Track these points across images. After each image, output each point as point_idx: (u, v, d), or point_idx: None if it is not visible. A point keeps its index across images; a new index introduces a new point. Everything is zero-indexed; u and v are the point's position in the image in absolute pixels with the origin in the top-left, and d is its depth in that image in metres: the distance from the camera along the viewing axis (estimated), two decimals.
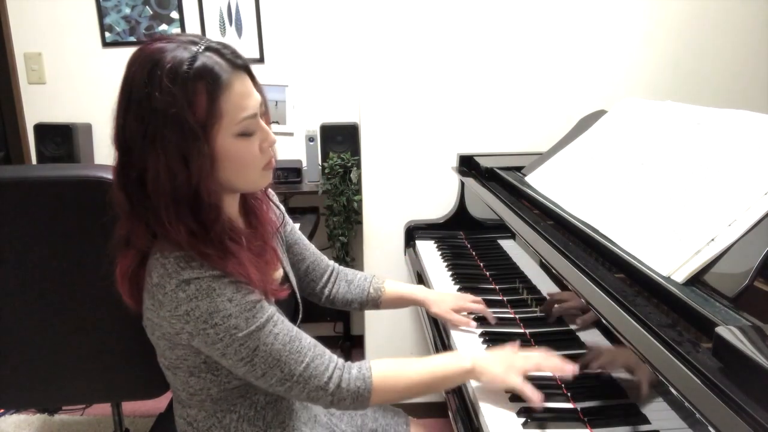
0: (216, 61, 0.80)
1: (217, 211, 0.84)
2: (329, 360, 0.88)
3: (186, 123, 0.77)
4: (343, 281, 1.23)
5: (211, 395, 0.92)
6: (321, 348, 0.89)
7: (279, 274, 1.04)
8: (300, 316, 1.09)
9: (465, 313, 1.19)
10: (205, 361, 0.88)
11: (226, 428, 0.94)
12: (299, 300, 1.10)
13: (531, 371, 0.91)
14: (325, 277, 1.22)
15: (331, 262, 1.25)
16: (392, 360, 0.94)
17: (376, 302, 1.23)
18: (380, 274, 1.54)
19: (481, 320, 1.19)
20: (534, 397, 0.86)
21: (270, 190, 1.09)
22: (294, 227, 1.19)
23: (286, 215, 1.15)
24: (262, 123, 0.86)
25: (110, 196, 0.85)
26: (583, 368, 0.89)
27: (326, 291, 1.23)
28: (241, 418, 0.95)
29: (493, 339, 1.11)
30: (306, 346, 0.87)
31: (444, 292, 1.29)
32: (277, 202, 1.12)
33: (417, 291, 1.25)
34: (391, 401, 0.95)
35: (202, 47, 0.80)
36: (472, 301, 1.22)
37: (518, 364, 0.91)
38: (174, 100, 0.76)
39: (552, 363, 0.92)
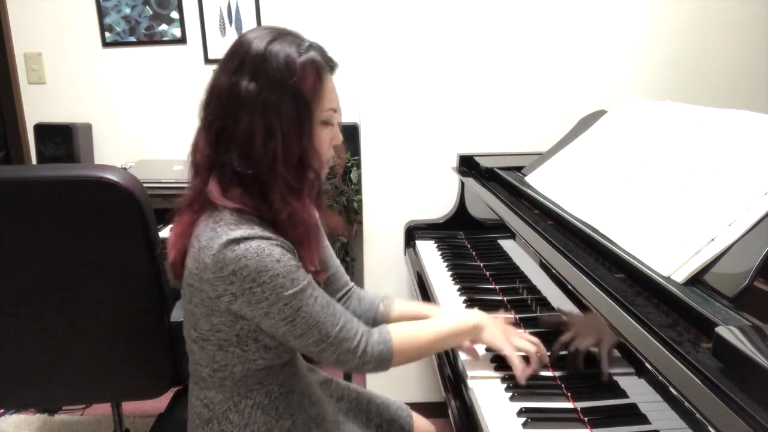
0: (319, 56, 0.91)
1: (318, 175, 0.93)
2: (357, 325, 0.94)
3: (300, 93, 0.87)
4: (356, 298, 1.20)
5: (234, 374, 0.94)
6: (349, 314, 0.95)
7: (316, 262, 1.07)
8: None
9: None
10: (237, 333, 0.91)
11: (240, 413, 0.96)
12: None
13: (524, 350, 0.99)
14: (344, 291, 1.19)
15: (349, 279, 1.22)
16: (406, 323, 1.03)
17: (385, 319, 1.17)
18: (380, 274, 1.55)
19: None
20: (520, 368, 0.94)
21: None
22: (323, 234, 1.16)
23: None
24: (336, 123, 0.96)
25: (190, 155, 0.92)
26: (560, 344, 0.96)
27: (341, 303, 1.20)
28: (256, 405, 0.97)
29: None
30: (339, 310, 0.93)
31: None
32: None
33: (427, 310, 1.18)
34: (411, 360, 1.00)
35: (308, 42, 0.91)
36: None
37: (514, 337, 1.01)
38: (291, 71, 0.86)
39: (540, 354, 1.00)
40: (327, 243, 1.19)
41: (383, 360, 0.94)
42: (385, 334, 0.96)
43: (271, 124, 0.85)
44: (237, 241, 0.83)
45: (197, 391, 1.00)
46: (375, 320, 1.18)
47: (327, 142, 0.94)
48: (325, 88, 0.91)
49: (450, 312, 1.05)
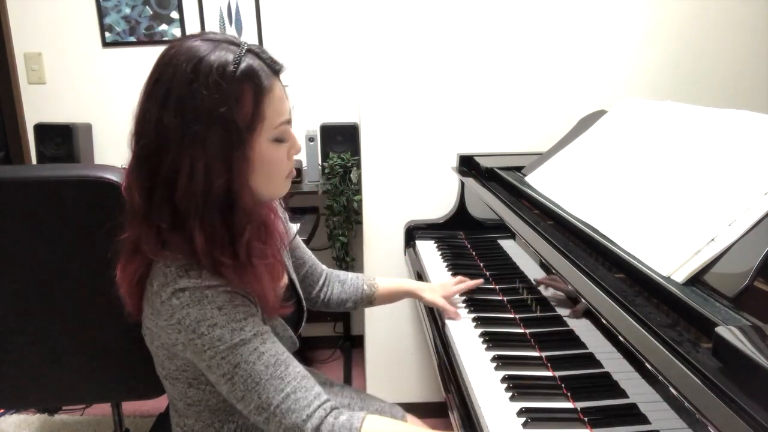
0: (258, 63, 0.79)
1: (249, 217, 0.81)
2: (315, 397, 0.80)
3: (233, 123, 0.76)
4: (336, 282, 1.23)
5: (209, 406, 0.90)
6: (310, 382, 0.82)
7: (284, 282, 1.02)
8: (303, 322, 1.08)
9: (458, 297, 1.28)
10: (204, 373, 0.85)
11: None
12: (304, 306, 1.08)
13: None
14: (321, 280, 1.22)
15: (325, 267, 1.25)
16: (390, 421, 0.89)
17: (370, 299, 1.25)
18: (380, 274, 1.55)
19: (485, 330, 1.19)
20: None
21: (281, 202, 1.08)
22: (294, 231, 1.19)
23: (289, 222, 1.13)
24: (291, 130, 0.86)
25: (124, 196, 0.82)
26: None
27: (321, 294, 1.22)
28: (239, 429, 0.93)
29: (492, 340, 1.11)
30: (291, 374, 0.80)
31: (432, 283, 1.35)
32: (284, 213, 1.10)
33: (408, 283, 1.31)
34: None
35: (244, 49, 0.79)
36: (456, 284, 1.29)
37: None
38: (222, 99, 0.75)
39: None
40: (299, 240, 1.18)
41: None
42: (356, 421, 0.80)
43: (193, 160, 0.75)
44: (182, 290, 0.78)
45: (177, 417, 0.97)
46: (362, 301, 1.24)
47: (284, 158, 0.85)
48: (270, 106, 0.80)
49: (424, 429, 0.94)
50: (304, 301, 1.09)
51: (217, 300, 0.78)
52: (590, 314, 0.88)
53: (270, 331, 0.84)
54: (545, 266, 1.05)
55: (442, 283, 1.32)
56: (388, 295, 1.28)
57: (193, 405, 0.91)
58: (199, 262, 0.79)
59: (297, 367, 0.82)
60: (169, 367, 0.88)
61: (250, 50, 0.80)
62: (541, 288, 1.10)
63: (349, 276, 1.26)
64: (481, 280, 1.30)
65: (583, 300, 0.86)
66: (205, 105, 0.74)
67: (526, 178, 1.42)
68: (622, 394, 0.78)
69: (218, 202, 0.78)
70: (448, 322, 1.21)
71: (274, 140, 0.82)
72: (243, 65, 0.77)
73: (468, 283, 1.29)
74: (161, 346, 0.86)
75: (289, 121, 0.84)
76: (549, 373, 0.98)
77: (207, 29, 2.33)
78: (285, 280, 1.03)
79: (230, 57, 0.77)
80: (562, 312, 1.00)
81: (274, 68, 0.82)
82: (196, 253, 0.78)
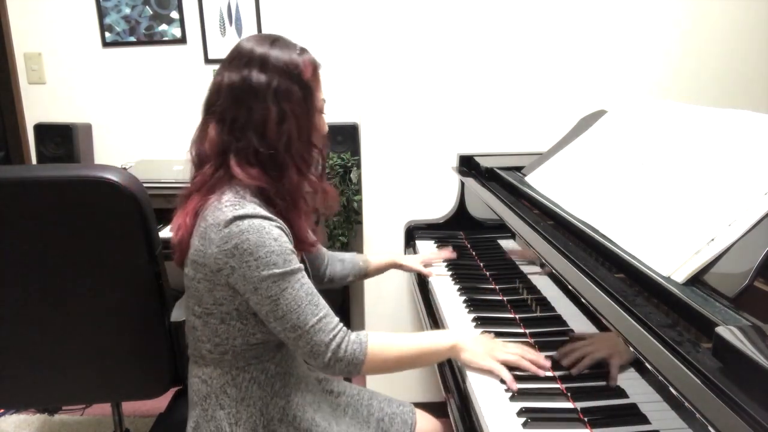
0: (311, 56, 1.03)
1: (322, 154, 1.07)
2: (336, 323, 0.97)
3: (303, 81, 0.98)
4: (337, 261, 1.40)
5: (234, 347, 1.00)
6: (331, 311, 0.98)
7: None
8: None
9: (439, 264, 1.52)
10: (237, 308, 0.97)
11: (238, 387, 1.01)
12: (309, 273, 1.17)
13: (509, 363, 0.97)
14: (325, 260, 1.37)
15: (324, 248, 1.39)
16: (387, 333, 1.02)
17: (365, 272, 1.45)
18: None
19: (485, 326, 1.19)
20: (509, 380, 0.93)
21: None
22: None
23: None
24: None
25: (195, 144, 1.01)
26: (573, 359, 0.93)
27: (327, 273, 1.38)
28: (253, 380, 1.02)
29: None
30: (322, 303, 0.97)
31: (417, 254, 1.60)
32: None
33: (393, 256, 1.53)
34: (382, 371, 1.01)
35: (300, 46, 1.02)
36: (436, 256, 1.53)
37: (498, 351, 0.99)
38: (294, 65, 0.98)
39: (529, 359, 0.97)
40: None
41: (354, 361, 0.96)
42: (363, 336, 0.98)
43: (283, 109, 0.96)
44: (242, 218, 0.91)
45: (196, 369, 1.05)
46: (359, 275, 1.44)
47: (323, 128, 1.06)
48: (319, 82, 1.04)
49: (431, 331, 1.07)
50: (309, 270, 1.18)
51: (273, 232, 0.93)
52: (590, 314, 0.88)
53: (304, 269, 0.98)
54: (545, 266, 1.05)
55: (424, 253, 1.58)
56: (378, 269, 1.48)
57: (220, 345, 1.00)
58: (271, 191, 0.97)
59: (322, 299, 0.98)
60: (206, 302, 0.98)
61: (304, 48, 1.03)
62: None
63: (346, 255, 1.44)
64: (453, 254, 1.53)
65: (583, 300, 0.86)
66: (283, 68, 0.97)
67: (526, 178, 1.42)
68: (622, 394, 0.78)
69: (304, 140, 1.00)
70: (448, 322, 1.21)
71: (318, 110, 1.04)
72: (302, 54, 1.01)
73: (444, 253, 1.53)
74: (204, 278, 0.96)
75: (325, 101, 1.07)
76: (549, 373, 0.98)
77: (207, 29, 2.33)
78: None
79: (291, 47, 1.01)
80: (563, 313, 1.00)
81: (316, 63, 1.04)
82: (270, 180, 0.97)
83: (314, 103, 1.02)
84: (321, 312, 0.95)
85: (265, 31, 2.34)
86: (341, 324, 0.98)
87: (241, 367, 1.02)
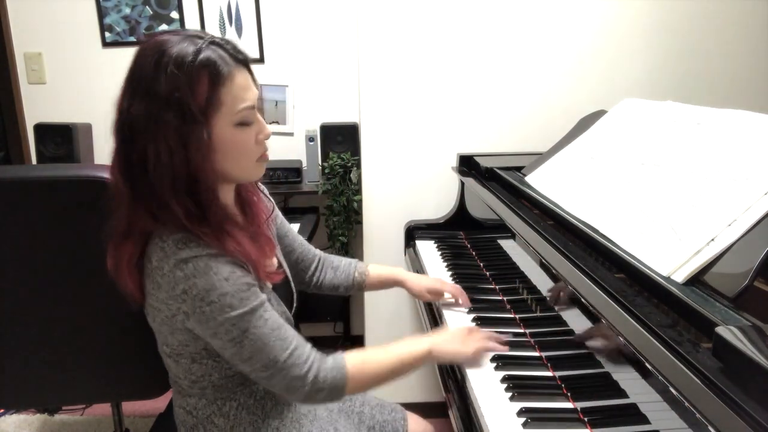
0: (219, 54, 0.85)
1: (214, 194, 0.88)
2: (309, 351, 0.91)
3: (187, 107, 0.81)
4: (330, 268, 1.29)
5: (212, 382, 0.94)
6: (302, 339, 0.92)
7: (274, 262, 1.06)
8: (295, 305, 1.12)
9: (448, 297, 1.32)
10: (205, 347, 0.90)
11: (225, 416, 0.97)
12: (294, 289, 1.13)
13: (482, 349, 1.01)
14: (313, 265, 1.27)
15: (318, 252, 1.30)
16: (361, 350, 0.98)
17: (361, 286, 1.30)
18: None
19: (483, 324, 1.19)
20: (497, 346, 0.98)
21: (260, 184, 1.13)
22: (283, 219, 1.23)
23: (276, 206, 1.18)
24: (259, 116, 0.91)
25: (110, 185, 0.88)
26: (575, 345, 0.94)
27: (314, 279, 1.28)
28: (241, 406, 0.97)
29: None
30: (291, 335, 0.90)
31: (423, 275, 1.41)
32: (268, 195, 1.16)
33: (397, 273, 1.34)
34: (364, 390, 0.98)
35: (207, 41, 0.85)
36: (450, 286, 1.32)
37: (473, 335, 1.02)
38: (177, 85, 0.81)
39: (495, 338, 1.03)
40: (288, 228, 1.23)
41: (336, 387, 0.91)
42: (340, 360, 0.93)
43: (156, 143, 0.82)
44: (185, 261, 0.82)
45: (179, 399, 1.00)
46: (352, 288, 1.29)
47: (251, 141, 0.89)
48: (230, 93, 0.84)
49: (405, 341, 1.02)
50: (293, 284, 1.13)
51: (222, 271, 0.84)
52: (590, 314, 0.88)
53: (267, 299, 0.91)
54: (545, 266, 1.05)
55: (433, 278, 1.36)
56: (378, 283, 1.33)
57: (198, 381, 0.95)
58: (191, 232, 0.84)
59: (290, 329, 0.91)
60: (172, 344, 0.92)
61: (213, 42, 0.85)
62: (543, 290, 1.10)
63: (342, 262, 1.30)
64: (468, 304, 1.28)
65: (583, 300, 0.86)
66: (163, 91, 0.81)
67: (526, 178, 1.42)
68: (622, 394, 0.78)
69: (183, 180, 0.84)
70: (448, 322, 1.21)
71: (238, 125, 0.87)
72: (202, 55, 0.83)
73: (460, 293, 1.29)
74: (163, 322, 0.89)
75: (253, 107, 0.89)
76: (549, 373, 0.98)
77: (207, 29, 2.33)
78: (274, 260, 1.07)
79: (191, 48, 0.83)
80: (563, 313, 1.00)
81: (238, 58, 0.87)
82: (181, 226, 0.84)
83: (201, 129, 0.82)
84: (291, 345, 0.88)
85: (265, 31, 2.34)
86: (314, 351, 0.92)
87: (227, 396, 0.97)
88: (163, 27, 2.34)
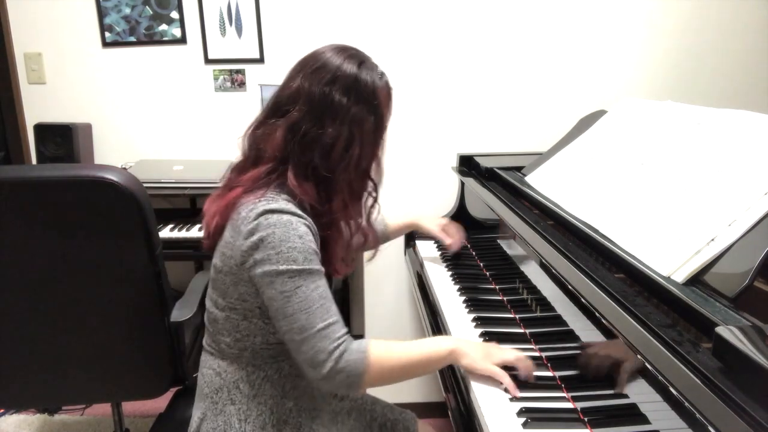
0: (388, 83, 1.03)
1: (375, 189, 1.06)
2: (345, 333, 0.94)
3: (381, 116, 1.00)
4: None
5: (254, 345, 1.01)
6: (341, 320, 0.95)
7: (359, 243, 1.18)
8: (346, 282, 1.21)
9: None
10: (260, 306, 0.97)
11: (251, 384, 1.02)
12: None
13: (507, 363, 0.96)
14: None
15: None
16: (385, 341, 0.98)
17: (386, 235, 1.44)
18: (380, 273, 1.53)
19: (488, 334, 1.19)
20: (510, 386, 0.93)
21: None
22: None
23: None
24: None
25: (254, 140, 1.00)
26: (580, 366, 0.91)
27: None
28: (267, 378, 1.02)
29: (493, 340, 1.11)
30: (334, 310, 0.94)
31: (435, 217, 1.56)
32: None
33: (410, 217, 1.50)
34: (382, 383, 0.96)
35: (381, 70, 1.02)
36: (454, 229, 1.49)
37: (496, 354, 0.98)
38: (375, 95, 0.98)
39: (526, 363, 0.96)
40: None
41: (355, 372, 0.91)
42: (363, 345, 0.93)
43: (353, 135, 0.96)
44: (272, 212, 0.91)
45: (210, 360, 1.05)
46: (380, 239, 1.40)
47: (382, 159, 1.06)
48: (391, 109, 1.04)
49: (430, 338, 1.02)
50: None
51: (299, 229, 0.92)
52: (590, 314, 0.88)
53: (324, 272, 0.97)
54: (545, 266, 1.05)
55: (438, 217, 1.54)
56: (397, 230, 1.47)
57: (240, 340, 1.00)
58: (312, 206, 0.96)
59: (335, 306, 0.96)
60: (231, 296, 0.98)
61: (384, 73, 1.03)
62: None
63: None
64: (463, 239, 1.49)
65: (583, 300, 0.86)
66: (366, 96, 0.97)
67: (526, 178, 1.42)
68: (622, 394, 0.78)
69: (361, 170, 1.00)
70: (448, 322, 1.21)
71: (384, 140, 1.05)
72: (382, 79, 1.01)
73: (461, 233, 1.49)
74: (230, 271, 0.96)
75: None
76: (549, 373, 0.98)
77: (207, 29, 2.33)
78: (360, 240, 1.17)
79: (376, 71, 1.00)
80: (563, 313, 1.00)
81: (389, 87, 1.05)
82: (321, 199, 0.97)
83: (383, 135, 1.03)
84: (331, 318, 0.92)
85: (265, 31, 2.34)
86: (348, 335, 0.94)
87: (257, 365, 1.02)
88: (163, 27, 2.34)
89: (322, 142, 0.95)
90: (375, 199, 1.09)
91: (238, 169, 1.02)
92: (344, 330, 0.94)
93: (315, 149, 0.95)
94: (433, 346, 0.99)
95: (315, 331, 0.90)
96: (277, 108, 0.99)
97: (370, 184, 1.05)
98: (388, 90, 1.02)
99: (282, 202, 0.93)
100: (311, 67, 0.97)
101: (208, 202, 1.02)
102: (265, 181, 0.96)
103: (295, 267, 0.90)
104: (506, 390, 0.93)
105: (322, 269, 0.95)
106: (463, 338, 1.08)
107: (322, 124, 0.95)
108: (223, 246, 0.98)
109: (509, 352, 0.98)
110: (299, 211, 0.94)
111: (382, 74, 1.01)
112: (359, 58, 0.99)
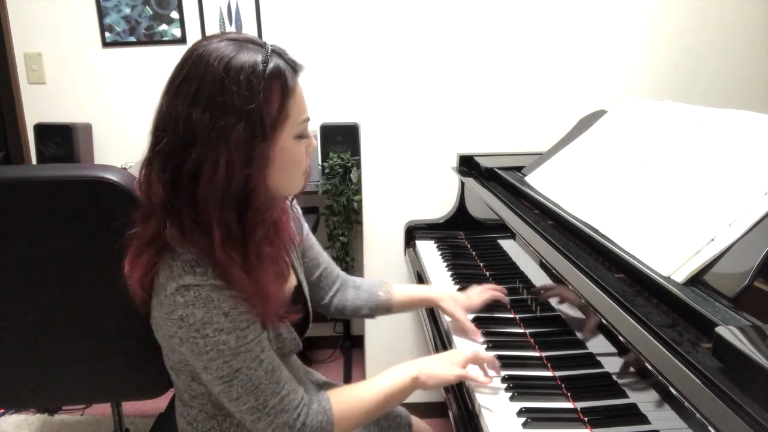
0: (283, 63, 0.82)
1: (263, 215, 0.84)
2: (300, 397, 0.87)
3: (260, 119, 0.78)
4: (351, 288, 1.21)
5: (212, 399, 0.92)
6: (294, 383, 0.88)
7: (291, 284, 1.01)
8: (309, 325, 1.06)
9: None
10: (197, 371, 0.86)
11: None
12: (310, 310, 1.07)
13: (470, 361, 0.97)
14: (336, 285, 1.20)
15: (340, 271, 1.23)
16: (345, 387, 0.95)
17: (387, 306, 1.20)
18: (380, 274, 1.52)
19: (487, 334, 1.19)
20: (480, 378, 0.94)
21: (296, 205, 1.09)
22: (308, 232, 1.16)
23: (305, 224, 1.13)
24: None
25: (139, 191, 0.84)
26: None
27: (336, 300, 1.20)
28: (241, 424, 0.95)
29: (492, 340, 1.11)
30: (284, 378, 0.86)
31: (454, 292, 1.25)
32: (301, 217, 1.12)
33: (427, 291, 1.26)
34: (355, 426, 0.91)
35: (269, 49, 0.82)
36: (481, 293, 1.22)
37: (457, 358, 0.97)
38: (252, 96, 0.77)
39: (486, 357, 0.98)
40: (313, 241, 1.17)
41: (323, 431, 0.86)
42: (324, 402, 0.88)
43: (217, 155, 0.77)
44: (187, 287, 0.79)
45: (181, 407, 0.99)
46: (377, 309, 1.20)
47: (303, 154, 0.88)
48: (294, 103, 0.83)
49: (389, 372, 0.96)
50: (310, 306, 1.07)
51: (223, 305, 0.80)
52: (590, 314, 0.88)
53: (266, 337, 0.86)
54: (545, 266, 1.05)
55: (468, 294, 1.23)
56: (406, 303, 1.22)
57: (197, 397, 0.93)
58: (213, 258, 0.79)
59: (285, 370, 0.87)
60: (173, 359, 0.90)
61: (274, 51, 0.82)
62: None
63: (364, 282, 1.23)
64: (505, 298, 1.23)
65: (583, 300, 0.86)
66: (234, 101, 0.76)
67: (526, 178, 1.42)
68: (622, 394, 0.78)
69: (236, 197, 0.79)
70: (448, 322, 1.21)
71: (296, 137, 0.85)
72: (271, 64, 0.79)
73: (494, 294, 1.22)
74: (162, 338, 0.89)
75: (308, 119, 0.87)
76: (549, 373, 0.98)
77: (207, 29, 2.33)
78: (293, 282, 1.02)
79: (259, 57, 0.79)
80: (563, 313, 1.00)
81: (296, 68, 0.85)
82: (213, 247, 0.79)
83: (269, 145, 0.79)
84: (283, 390, 0.84)
85: (265, 31, 2.34)
86: (305, 396, 0.87)
87: (227, 413, 0.93)
88: (163, 27, 2.34)
89: (188, 175, 0.78)
90: (271, 223, 0.89)
91: (137, 229, 0.85)
92: (300, 394, 0.86)
93: (183, 187, 0.79)
94: (395, 379, 0.94)
95: (269, 409, 0.83)
96: (154, 139, 0.81)
97: (254, 213, 0.83)
98: (279, 79, 0.80)
99: (199, 272, 0.79)
100: (178, 76, 0.79)
101: (127, 265, 0.86)
102: (161, 241, 0.81)
103: (227, 352, 0.80)
104: (504, 380, 0.93)
105: (261, 336, 0.84)
106: (421, 361, 0.98)
107: (189, 153, 0.77)
108: (153, 309, 0.87)
109: (468, 353, 0.97)
110: (220, 281, 0.79)
111: (271, 55, 0.80)
112: (232, 49, 0.78)
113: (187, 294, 0.79)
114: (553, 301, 1.04)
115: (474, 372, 0.95)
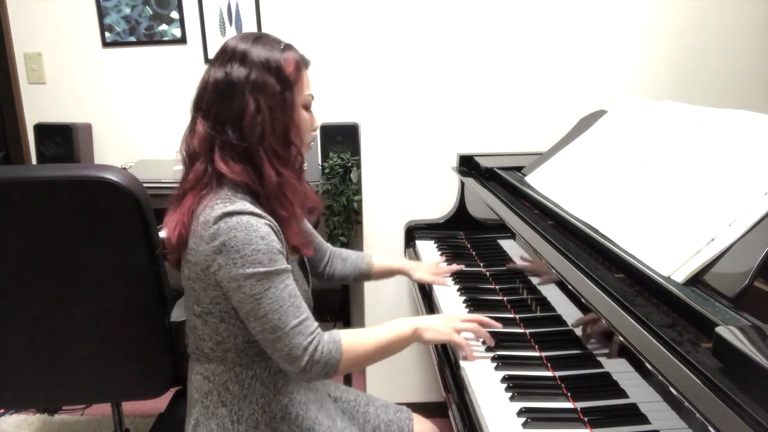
0: (296, 53, 1.04)
1: (299, 149, 1.03)
2: (316, 327, 0.97)
3: (283, 73, 0.99)
4: (339, 259, 1.39)
5: (236, 345, 1.01)
6: (311, 315, 0.98)
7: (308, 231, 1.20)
8: (310, 285, 1.17)
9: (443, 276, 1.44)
10: (234, 307, 0.96)
11: (241, 383, 1.02)
12: (308, 271, 1.19)
13: (467, 327, 1.07)
14: (326, 257, 1.37)
15: (328, 244, 1.40)
16: (354, 329, 1.04)
17: (367, 275, 1.42)
18: None
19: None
20: (467, 350, 1.03)
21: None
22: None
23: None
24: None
25: (186, 146, 1.01)
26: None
27: (326, 269, 1.38)
28: (256, 377, 1.03)
29: (495, 343, 1.11)
30: (304, 307, 0.97)
31: (422, 263, 1.52)
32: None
33: (400, 262, 1.50)
34: (356, 367, 1.03)
35: (285, 43, 1.03)
36: (447, 269, 1.45)
37: (456, 321, 1.07)
38: (274, 57, 0.99)
39: (484, 322, 1.08)
40: (306, 223, 1.27)
41: (331, 361, 0.96)
42: (335, 335, 0.98)
43: (258, 101, 0.96)
44: (230, 214, 0.92)
45: (197, 366, 1.05)
46: (360, 277, 1.42)
47: (307, 125, 1.06)
48: (304, 77, 1.04)
49: (394, 321, 1.07)
50: (308, 268, 1.20)
51: (261, 230, 0.93)
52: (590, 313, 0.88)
53: (290, 270, 0.98)
54: (545, 266, 1.05)
55: (432, 263, 1.49)
56: (382, 272, 1.44)
57: (222, 343, 1.01)
58: (255, 185, 0.97)
59: (304, 302, 0.98)
60: (204, 301, 0.99)
61: (288, 45, 1.04)
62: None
63: (350, 254, 1.42)
64: (461, 266, 1.45)
65: (583, 300, 0.86)
66: (262, 61, 0.97)
67: (526, 178, 1.42)
68: (622, 394, 0.78)
69: (278, 134, 0.98)
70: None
71: (303, 106, 1.04)
72: (286, 50, 1.02)
73: (452, 267, 1.45)
74: (197, 277, 0.97)
75: (313, 97, 1.07)
76: (549, 373, 0.98)
77: (207, 29, 2.33)
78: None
79: (276, 44, 1.02)
80: (563, 313, 1.00)
81: (305, 61, 1.07)
82: (257, 173, 0.97)
83: (294, 98, 1.01)
84: (302, 315, 0.95)
85: (265, 31, 2.34)
86: (319, 328, 0.97)
87: (245, 364, 1.02)
88: (163, 27, 2.34)
89: (232, 116, 0.96)
90: (301, 160, 1.07)
91: (183, 178, 1.03)
92: (315, 324, 0.97)
93: (228, 126, 0.97)
94: (398, 328, 1.05)
95: (289, 329, 0.93)
96: (196, 106, 1.01)
97: (294, 148, 1.03)
98: (293, 58, 1.01)
99: (239, 203, 0.94)
100: (214, 57, 1.02)
101: (166, 217, 1.02)
102: (208, 179, 0.98)
103: (261, 270, 0.91)
104: (504, 380, 0.94)
105: (289, 267, 0.96)
106: (423, 317, 1.12)
107: (229, 101, 0.96)
108: (188, 253, 0.98)
109: (469, 322, 1.07)
110: (258, 210, 0.95)
111: (286, 46, 1.02)
112: (255, 36, 1.02)
113: (230, 220, 0.91)
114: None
115: (464, 343, 1.04)
